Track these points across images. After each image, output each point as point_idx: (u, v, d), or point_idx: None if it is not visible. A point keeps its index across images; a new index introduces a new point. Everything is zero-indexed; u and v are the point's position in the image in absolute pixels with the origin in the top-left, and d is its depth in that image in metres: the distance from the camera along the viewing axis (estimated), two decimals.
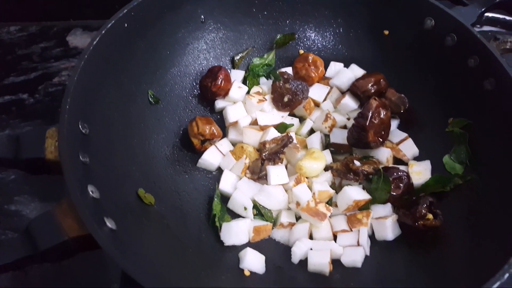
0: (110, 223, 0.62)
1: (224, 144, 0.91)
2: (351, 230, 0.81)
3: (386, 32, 0.96)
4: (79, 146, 0.66)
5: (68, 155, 0.62)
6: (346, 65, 0.99)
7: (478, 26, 1.14)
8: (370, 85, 0.92)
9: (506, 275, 0.60)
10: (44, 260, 0.60)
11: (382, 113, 0.83)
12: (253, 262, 0.77)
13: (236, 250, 0.78)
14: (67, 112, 0.65)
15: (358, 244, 0.79)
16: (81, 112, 0.69)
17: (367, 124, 0.82)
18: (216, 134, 0.88)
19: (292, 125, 0.93)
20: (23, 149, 0.67)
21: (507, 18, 1.14)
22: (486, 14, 1.19)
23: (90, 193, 0.63)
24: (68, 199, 0.61)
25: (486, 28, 1.14)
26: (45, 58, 1.25)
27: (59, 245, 0.60)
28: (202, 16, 0.93)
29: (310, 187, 0.84)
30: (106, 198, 0.65)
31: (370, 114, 0.82)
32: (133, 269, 0.57)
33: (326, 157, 0.88)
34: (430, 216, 0.76)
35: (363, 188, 0.84)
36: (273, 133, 0.90)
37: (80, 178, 0.62)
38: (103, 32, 0.75)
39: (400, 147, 0.89)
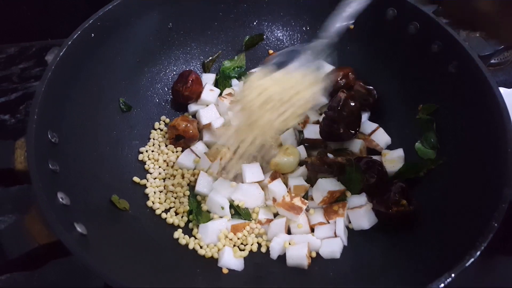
0: (80, 228, 0.62)
1: (199, 147, 0.92)
2: (328, 222, 0.82)
3: (351, 26, 0.97)
4: (48, 154, 0.67)
5: (36, 164, 0.62)
6: None
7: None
8: (339, 79, 0.93)
9: (478, 253, 0.60)
10: (15, 269, 0.60)
11: (351, 104, 0.84)
12: (231, 260, 0.77)
13: (214, 248, 0.79)
14: (35, 122, 0.66)
15: (336, 235, 0.79)
16: (50, 121, 0.70)
17: (337, 115, 0.83)
18: (191, 132, 0.89)
19: None
20: None
21: None
22: None
23: (60, 199, 0.63)
24: (37, 206, 0.61)
25: None
26: (24, 78, 1.27)
27: (30, 253, 0.60)
28: (170, 23, 0.95)
29: (286, 183, 0.85)
30: (77, 204, 0.66)
31: (339, 106, 0.83)
32: (105, 273, 0.57)
33: (301, 152, 0.89)
34: (404, 202, 0.77)
35: (338, 181, 0.85)
36: None
37: (48, 186, 0.63)
38: (70, 42, 0.77)
39: (372, 138, 0.90)
